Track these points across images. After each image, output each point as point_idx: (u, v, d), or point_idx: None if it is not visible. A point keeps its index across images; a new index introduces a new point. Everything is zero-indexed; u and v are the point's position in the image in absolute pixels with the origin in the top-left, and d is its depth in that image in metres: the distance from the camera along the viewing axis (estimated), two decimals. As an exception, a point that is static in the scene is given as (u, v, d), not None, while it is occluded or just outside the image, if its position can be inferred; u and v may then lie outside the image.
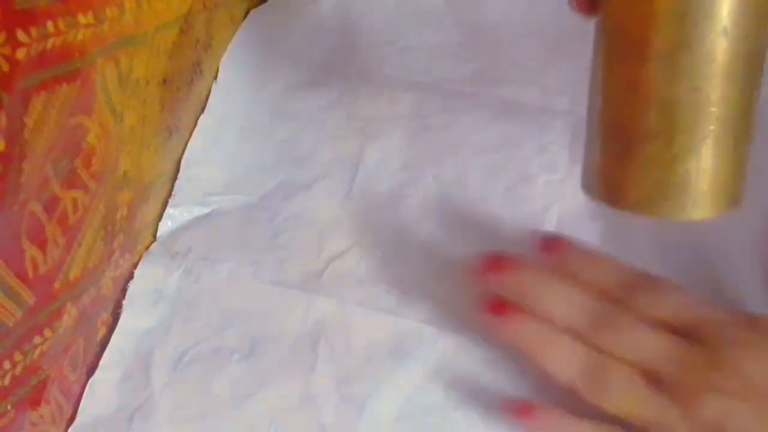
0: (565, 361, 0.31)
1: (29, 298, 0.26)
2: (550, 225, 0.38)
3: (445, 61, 0.42)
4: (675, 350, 0.30)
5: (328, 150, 0.41)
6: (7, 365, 0.26)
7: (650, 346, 0.30)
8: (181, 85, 0.37)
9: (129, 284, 0.38)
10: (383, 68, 0.42)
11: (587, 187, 0.28)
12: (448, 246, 0.38)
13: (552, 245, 0.34)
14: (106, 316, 0.36)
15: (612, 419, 0.31)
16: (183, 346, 0.37)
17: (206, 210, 0.40)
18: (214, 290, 0.38)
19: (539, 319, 0.32)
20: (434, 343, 0.36)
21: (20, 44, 0.21)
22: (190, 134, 0.41)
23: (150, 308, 0.37)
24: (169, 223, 0.40)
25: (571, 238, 0.34)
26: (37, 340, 0.28)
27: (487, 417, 0.34)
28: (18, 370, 0.27)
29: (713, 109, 0.25)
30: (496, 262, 0.33)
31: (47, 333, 0.28)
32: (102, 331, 0.35)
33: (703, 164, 0.25)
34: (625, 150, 0.26)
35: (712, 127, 0.25)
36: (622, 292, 0.32)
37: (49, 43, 0.22)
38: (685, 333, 0.30)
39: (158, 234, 0.39)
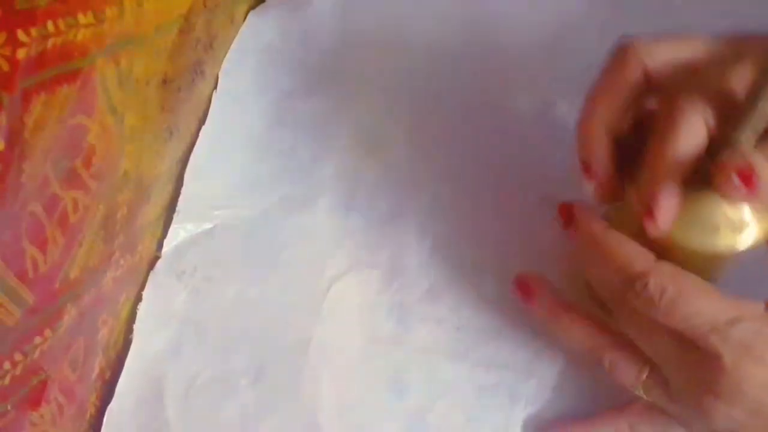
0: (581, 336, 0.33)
1: (29, 298, 0.26)
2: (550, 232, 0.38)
3: (444, 63, 0.42)
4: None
5: (328, 162, 0.41)
6: (7, 365, 0.26)
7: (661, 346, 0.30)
8: (182, 86, 0.37)
9: (138, 306, 0.38)
10: (381, 72, 0.42)
11: None
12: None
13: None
14: (106, 316, 0.36)
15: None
16: (193, 370, 0.37)
17: (209, 225, 0.40)
18: (220, 312, 0.38)
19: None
20: (434, 372, 0.36)
21: (20, 44, 0.21)
22: (191, 135, 0.41)
23: (160, 331, 0.38)
24: (174, 240, 0.40)
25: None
26: (37, 340, 0.28)
27: None
28: (18, 370, 0.27)
29: None
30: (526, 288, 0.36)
31: (47, 333, 0.28)
32: (102, 332, 0.35)
33: None
34: None
35: None
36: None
37: (50, 43, 0.22)
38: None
39: (164, 250, 0.39)
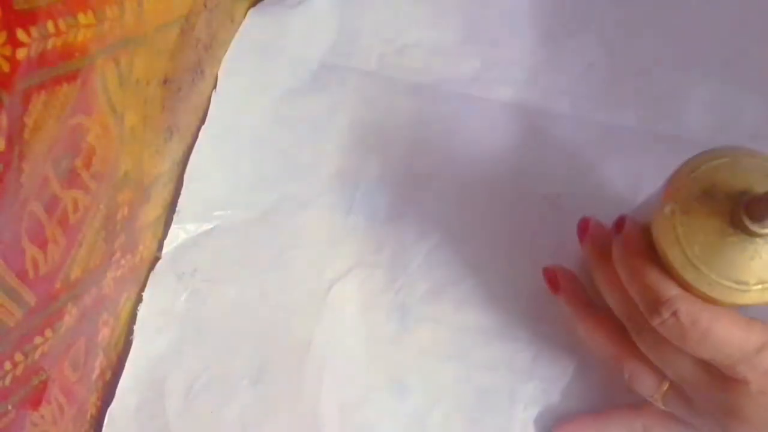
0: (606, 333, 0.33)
1: (30, 298, 0.26)
2: (551, 231, 0.38)
3: (445, 60, 0.42)
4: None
5: (328, 162, 0.41)
6: (7, 365, 0.26)
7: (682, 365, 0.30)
8: (182, 86, 0.37)
9: (138, 308, 0.38)
10: (382, 69, 0.42)
11: None
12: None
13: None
14: (107, 316, 0.36)
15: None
16: (194, 372, 0.37)
17: (209, 226, 0.40)
18: (221, 313, 0.38)
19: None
20: (435, 373, 0.36)
21: (20, 44, 0.21)
22: (191, 135, 0.41)
23: (160, 332, 0.38)
24: (174, 241, 0.39)
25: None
26: (38, 340, 0.28)
27: None
28: (19, 370, 0.27)
29: None
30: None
31: (48, 333, 0.28)
32: (103, 332, 0.35)
33: None
34: None
35: None
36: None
37: (50, 43, 0.22)
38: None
39: (164, 251, 0.39)
